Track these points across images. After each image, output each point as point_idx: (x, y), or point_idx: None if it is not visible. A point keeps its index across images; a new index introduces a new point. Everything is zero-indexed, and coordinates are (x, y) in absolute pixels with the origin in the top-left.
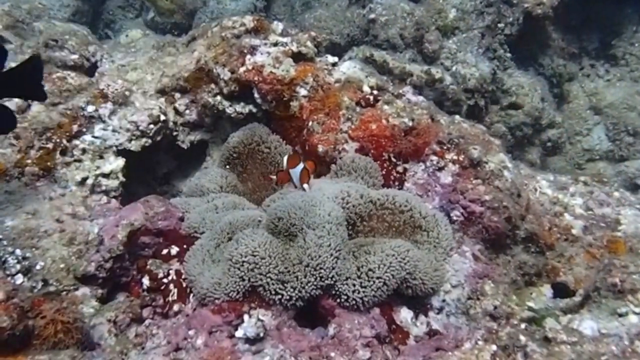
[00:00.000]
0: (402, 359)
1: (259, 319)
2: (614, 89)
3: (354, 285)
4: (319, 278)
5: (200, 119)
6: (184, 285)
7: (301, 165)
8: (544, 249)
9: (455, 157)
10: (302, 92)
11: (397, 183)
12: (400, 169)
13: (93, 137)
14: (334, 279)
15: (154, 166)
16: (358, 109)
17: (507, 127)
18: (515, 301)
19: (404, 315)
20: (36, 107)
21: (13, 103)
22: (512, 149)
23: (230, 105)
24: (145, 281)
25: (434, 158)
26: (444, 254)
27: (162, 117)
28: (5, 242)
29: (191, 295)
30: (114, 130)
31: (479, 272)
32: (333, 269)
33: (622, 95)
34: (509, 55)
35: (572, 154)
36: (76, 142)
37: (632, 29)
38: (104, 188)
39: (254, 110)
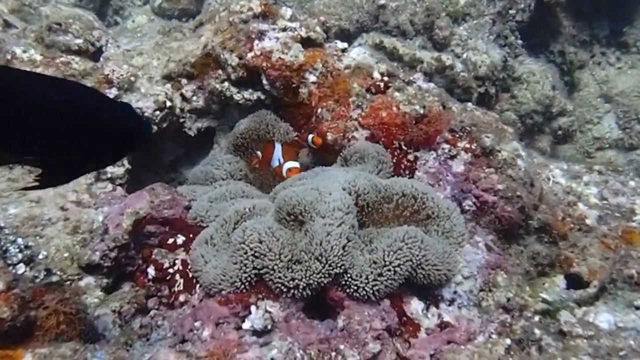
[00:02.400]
0: (413, 352)
1: (266, 311)
2: (625, 77)
3: (364, 274)
4: (327, 266)
5: (208, 105)
6: (190, 275)
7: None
8: (557, 239)
9: (467, 146)
10: (311, 78)
11: (407, 172)
12: (411, 157)
13: None
14: (343, 268)
15: (161, 154)
16: (368, 95)
17: (517, 115)
18: (528, 292)
19: (415, 306)
20: None
21: None
22: (522, 137)
23: (238, 92)
24: (151, 271)
25: (446, 146)
26: (456, 244)
27: (168, 104)
28: (7, 231)
29: (197, 285)
30: None
31: (491, 262)
32: (342, 257)
33: (633, 83)
34: (520, 42)
35: (582, 143)
36: None
37: None
38: (109, 175)
39: (262, 96)
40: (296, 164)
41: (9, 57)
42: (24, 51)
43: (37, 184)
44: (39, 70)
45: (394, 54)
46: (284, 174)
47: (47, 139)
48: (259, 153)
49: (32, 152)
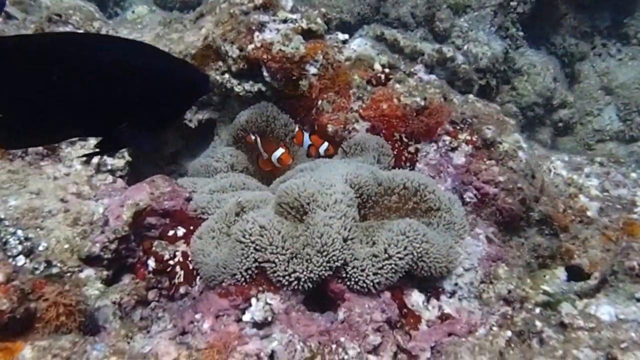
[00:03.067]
0: (413, 344)
1: (267, 303)
2: (626, 69)
3: (365, 267)
4: (328, 259)
5: (208, 97)
6: (191, 267)
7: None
8: (558, 231)
9: (468, 137)
10: (312, 70)
11: (408, 164)
12: (411, 149)
13: None
14: (343, 261)
15: (161, 145)
16: (369, 87)
17: (518, 107)
18: (529, 285)
19: (415, 298)
20: None
21: None
22: (523, 129)
23: (239, 84)
24: (151, 263)
25: (447, 138)
26: (457, 236)
27: None
28: (7, 223)
29: (198, 277)
30: None
31: (492, 255)
32: (343, 250)
33: (634, 74)
34: (521, 34)
35: (583, 135)
36: None
37: None
38: (109, 167)
39: (263, 88)
40: (283, 150)
41: None
42: None
43: (97, 150)
44: None
45: (395, 45)
46: (275, 162)
47: (113, 106)
48: (265, 154)
49: (98, 123)
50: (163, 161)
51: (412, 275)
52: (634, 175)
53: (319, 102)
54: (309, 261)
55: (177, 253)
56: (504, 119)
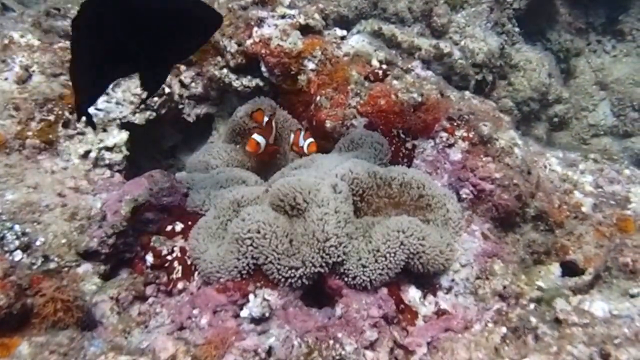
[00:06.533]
0: (410, 340)
1: (264, 299)
2: (620, 65)
3: (362, 263)
4: (325, 256)
5: (206, 92)
6: (189, 262)
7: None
8: (554, 227)
9: (465, 134)
10: (310, 65)
11: (405, 160)
12: (409, 145)
13: (96, 109)
14: (340, 257)
15: (160, 140)
16: (367, 83)
17: (514, 102)
18: (524, 280)
19: (412, 294)
20: (37, 77)
21: (13, 73)
22: (518, 125)
23: (237, 79)
24: (149, 258)
25: (444, 134)
26: (453, 232)
27: (167, 90)
28: (4, 217)
29: (196, 273)
30: (117, 103)
31: (488, 251)
32: (339, 247)
33: (628, 70)
34: (517, 29)
35: (578, 130)
36: None
37: (639, 5)
38: (107, 162)
39: (261, 84)
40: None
41: (6, 41)
42: (22, 36)
43: (146, 93)
44: (36, 55)
45: (392, 41)
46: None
47: (149, 43)
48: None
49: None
50: (161, 155)
51: (409, 271)
52: (627, 171)
53: (317, 97)
54: (305, 258)
55: (175, 248)
56: (500, 115)
